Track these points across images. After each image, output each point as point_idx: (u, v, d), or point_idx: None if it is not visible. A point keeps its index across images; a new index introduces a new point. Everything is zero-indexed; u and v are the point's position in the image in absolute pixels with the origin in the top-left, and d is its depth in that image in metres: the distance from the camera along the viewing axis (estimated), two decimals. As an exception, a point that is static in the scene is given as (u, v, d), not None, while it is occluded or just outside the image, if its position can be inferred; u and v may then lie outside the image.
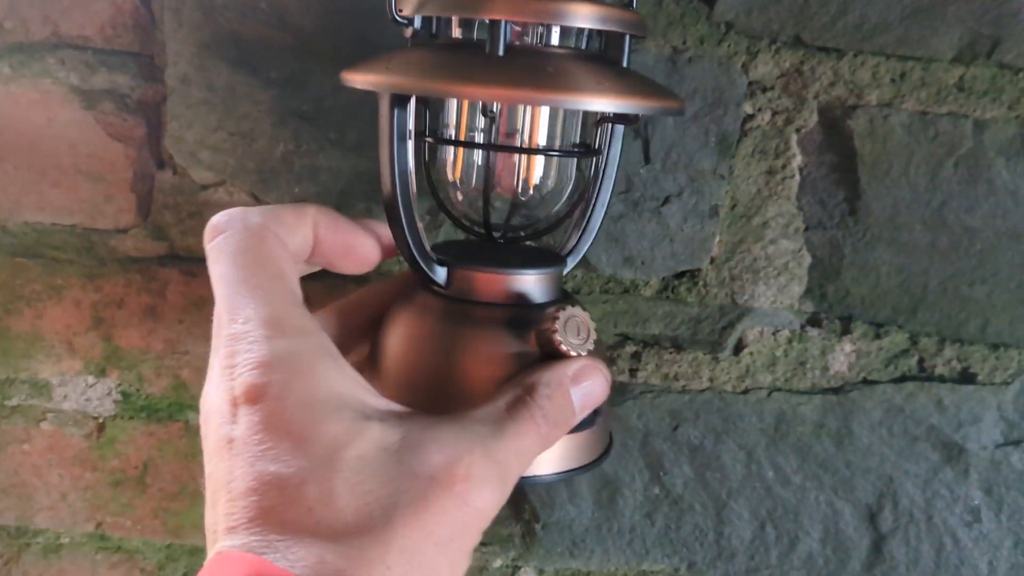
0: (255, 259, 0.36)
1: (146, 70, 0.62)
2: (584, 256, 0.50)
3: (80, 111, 0.62)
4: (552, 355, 0.41)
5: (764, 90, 0.60)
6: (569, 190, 0.49)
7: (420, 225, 0.44)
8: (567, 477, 0.44)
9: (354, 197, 0.62)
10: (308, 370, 0.33)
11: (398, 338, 0.44)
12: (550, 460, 0.43)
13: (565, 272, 0.49)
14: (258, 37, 0.60)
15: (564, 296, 0.47)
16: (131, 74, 0.62)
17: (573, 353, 0.40)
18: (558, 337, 0.40)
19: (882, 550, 0.69)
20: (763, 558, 0.70)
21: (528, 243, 0.50)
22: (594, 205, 0.50)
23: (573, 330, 0.41)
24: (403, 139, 0.42)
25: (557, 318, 0.40)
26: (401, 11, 0.43)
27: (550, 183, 0.48)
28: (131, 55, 0.61)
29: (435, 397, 0.42)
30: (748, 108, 0.60)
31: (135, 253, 0.65)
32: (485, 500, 0.33)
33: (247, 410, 0.32)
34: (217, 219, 0.38)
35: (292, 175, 0.62)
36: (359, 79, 0.40)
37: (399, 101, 0.41)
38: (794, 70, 0.59)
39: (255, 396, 0.32)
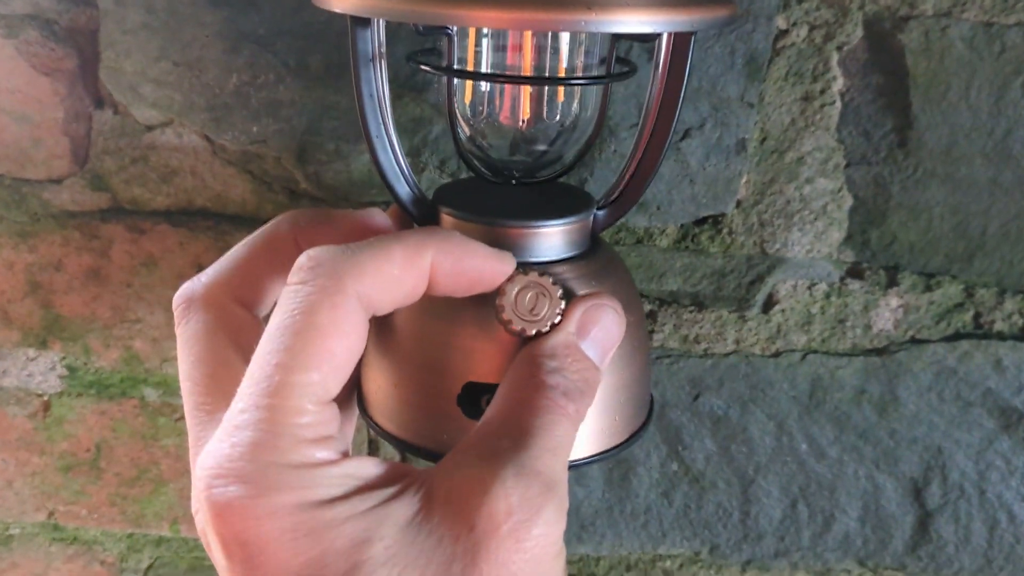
0: (304, 339, 0.28)
1: (75, -9, 0.53)
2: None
3: (-1, 40, 0.53)
4: (519, 339, 0.34)
5: (800, 0, 0.51)
6: (592, 121, 0.41)
7: (399, 155, 0.39)
8: (609, 457, 0.38)
9: (322, 136, 0.54)
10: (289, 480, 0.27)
11: (388, 334, 0.38)
12: (584, 441, 0.37)
13: (598, 224, 0.41)
14: (202, -53, 0.51)
15: (590, 251, 0.40)
16: (57, -4, 0.53)
17: (531, 333, 0.33)
18: (507, 317, 0.33)
19: (928, 528, 0.61)
20: (794, 539, 0.62)
21: (555, 184, 0.43)
22: (646, 142, 0.40)
23: (526, 301, 0.33)
24: (367, 62, 0.37)
25: (503, 295, 0.33)
26: None
27: (560, 114, 0.41)
28: (57, -27, 0.53)
29: (441, 392, 0.37)
30: (781, 22, 0.51)
31: (73, 207, 0.56)
32: (542, 524, 0.28)
33: (238, 552, 0.27)
34: (303, 260, 0.30)
35: (249, 111, 0.53)
36: None
37: (359, 21, 0.36)
38: (835, -24, 0.50)
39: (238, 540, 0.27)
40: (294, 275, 0.29)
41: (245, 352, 0.32)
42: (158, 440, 0.61)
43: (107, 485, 0.63)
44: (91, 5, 0.52)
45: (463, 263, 0.32)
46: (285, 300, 0.29)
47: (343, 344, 0.28)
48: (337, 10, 0.34)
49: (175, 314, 0.35)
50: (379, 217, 0.38)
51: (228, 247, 0.56)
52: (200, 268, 0.56)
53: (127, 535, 0.65)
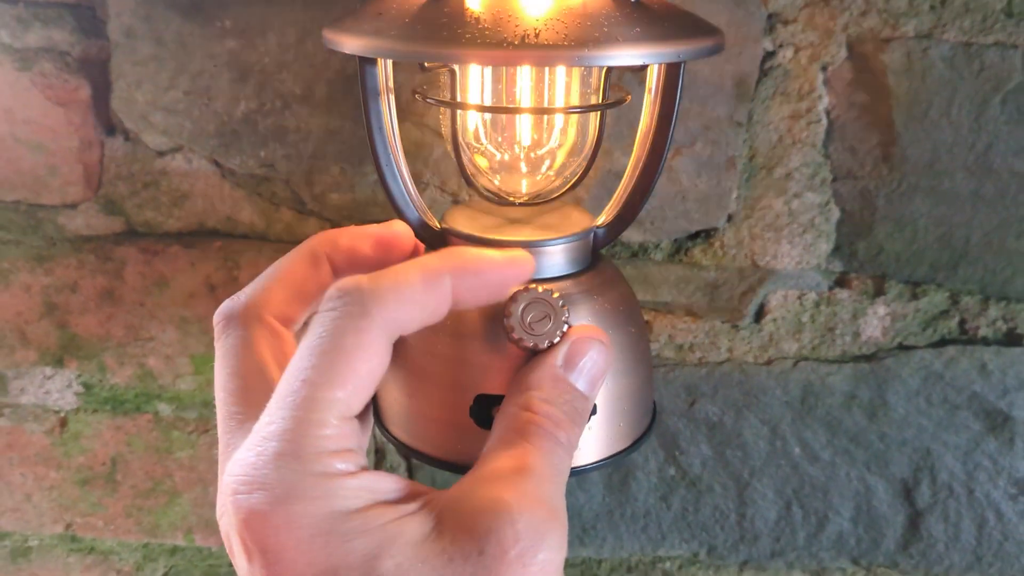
0: (331, 359, 0.30)
1: (87, 23, 0.55)
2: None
3: (14, 73, 0.55)
4: (528, 353, 0.36)
5: (786, 23, 0.53)
6: (590, 146, 0.43)
7: (407, 183, 0.41)
8: (614, 462, 0.40)
9: (327, 159, 0.56)
10: (309, 492, 0.29)
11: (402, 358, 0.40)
12: (591, 447, 0.39)
13: (599, 241, 0.43)
14: (209, -19, 0.52)
15: (592, 266, 0.42)
16: (70, 29, 0.55)
17: (543, 345, 0.35)
18: (516, 335, 0.35)
19: (919, 527, 0.63)
20: (789, 540, 0.64)
21: (556, 203, 0.44)
22: (641, 164, 0.42)
23: (537, 316, 0.35)
24: (376, 97, 0.39)
25: (510, 314, 0.35)
26: None
27: (558, 139, 0.43)
28: (69, 7, 0.54)
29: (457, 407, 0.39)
30: (768, 44, 0.53)
31: (87, 231, 0.58)
32: (546, 550, 0.29)
33: (258, 557, 0.29)
34: (332, 291, 0.32)
35: (256, 137, 0.55)
36: (328, 35, 0.37)
37: (367, 60, 0.38)
38: (819, -1, 0.52)
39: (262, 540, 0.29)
40: (324, 303, 0.31)
41: (278, 366, 0.34)
42: (172, 453, 0.63)
43: (123, 497, 0.64)
44: (102, 37, 0.54)
45: (482, 276, 0.34)
46: (316, 325, 0.31)
47: (366, 365, 0.31)
48: (347, 52, 0.36)
49: (215, 329, 0.36)
50: (401, 229, 0.40)
51: (238, 267, 0.58)
52: (211, 288, 0.58)
53: (143, 545, 0.67)
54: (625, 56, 0.34)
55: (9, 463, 0.64)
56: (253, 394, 0.33)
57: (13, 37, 0.54)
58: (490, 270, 0.34)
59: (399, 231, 0.40)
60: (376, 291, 0.31)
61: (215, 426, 0.62)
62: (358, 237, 0.39)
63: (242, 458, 0.29)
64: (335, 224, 0.57)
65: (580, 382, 0.34)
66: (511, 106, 0.41)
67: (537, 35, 0.33)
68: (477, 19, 0.34)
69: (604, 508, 0.64)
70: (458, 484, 0.31)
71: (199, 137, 0.56)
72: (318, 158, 0.55)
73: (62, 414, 0.63)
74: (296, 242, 0.58)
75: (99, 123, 0.56)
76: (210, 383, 0.61)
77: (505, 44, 0.33)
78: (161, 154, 0.57)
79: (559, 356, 0.35)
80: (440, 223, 0.42)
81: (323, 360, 0.30)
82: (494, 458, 0.32)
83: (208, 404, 0.62)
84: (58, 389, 0.62)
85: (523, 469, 0.31)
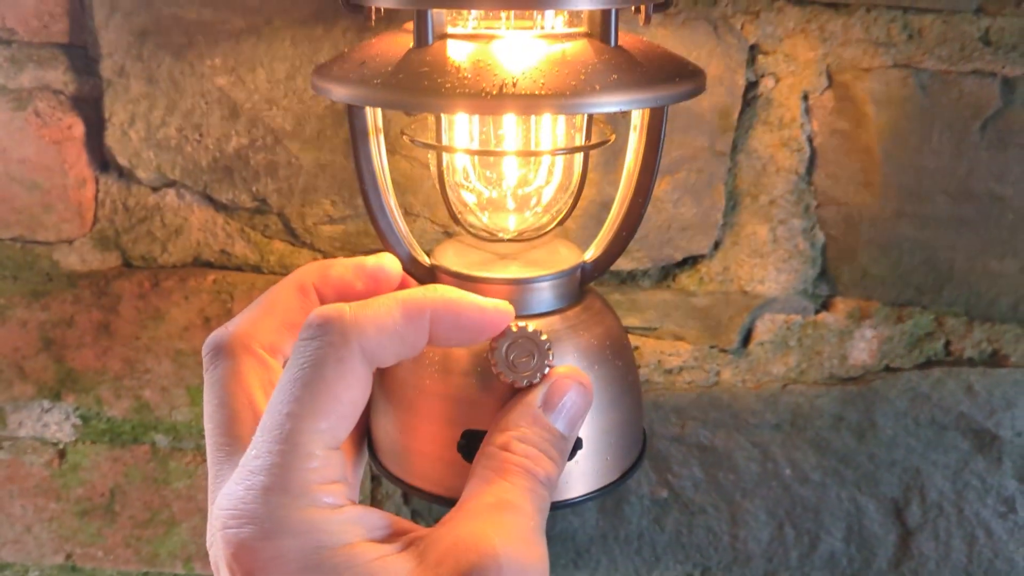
0: (312, 390, 0.31)
1: (80, 63, 0.56)
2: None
3: (8, 112, 0.56)
4: (511, 389, 0.37)
5: (767, 53, 0.54)
6: (575, 183, 0.44)
7: (397, 219, 0.42)
8: (602, 495, 0.41)
9: (318, 192, 0.56)
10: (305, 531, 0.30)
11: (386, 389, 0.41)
12: (578, 481, 0.40)
13: (586, 276, 0.44)
14: (200, 20, 0.53)
15: (579, 301, 0.42)
16: (63, 68, 0.56)
17: (523, 384, 0.36)
18: (499, 370, 0.36)
19: (910, 546, 0.64)
20: (782, 560, 0.65)
21: (543, 239, 0.45)
22: (628, 201, 0.43)
23: (521, 353, 0.36)
24: (364, 138, 0.40)
25: (495, 348, 0.36)
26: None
27: (544, 178, 0.43)
28: (62, 47, 0.55)
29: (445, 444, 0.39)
30: (750, 75, 0.54)
31: (82, 266, 0.59)
32: None
33: None
34: (313, 318, 0.32)
35: (248, 172, 0.56)
36: (316, 82, 0.38)
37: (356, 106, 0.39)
38: (799, 30, 0.53)
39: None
40: (304, 331, 0.32)
41: (266, 396, 0.35)
42: (169, 483, 0.64)
43: (122, 527, 0.65)
44: (95, 76, 0.55)
45: (461, 317, 0.34)
46: (296, 355, 0.31)
47: (348, 395, 0.31)
48: (335, 99, 0.37)
49: (204, 360, 0.37)
50: (390, 262, 0.40)
51: (232, 300, 0.59)
52: (206, 320, 0.58)
53: (142, 574, 0.67)
54: (603, 104, 0.35)
55: (9, 495, 0.65)
56: (241, 425, 0.34)
57: (7, 77, 0.55)
58: (469, 314, 0.34)
59: (387, 264, 0.40)
60: (357, 321, 0.32)
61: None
62: (347, 269, 0.40)
63: (231, 492, 0.30)
64: (328, 255, 0.58)
65: (559, 422, 0.35)
66: (496, 149, 0.42)
67: (515, 85, 0.34)
68: (458, 68, 0.35)
69: (598, 532, 0.65)
70: (441, 522, 0.32)
71: (192, 172, 0.56)
72: (309, 191, 0.56)
73: (60, 446, 0.64)
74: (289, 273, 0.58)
75: (93, 160, 0.57)
76: (206, 414, 0.61)
77: (484, 95, 0.33)
78: (155, 189, 0.58)
79: (539, 397, 0.35)
80: (429, 258, 0.43)
81: (305, 392, 0.30)
82: (476, 496, 0.33)
83: (204, 434, 0.62)
84: (56, 422, 0.63)
85: (505, 507, 0.32)
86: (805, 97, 0.54)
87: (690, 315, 0.59)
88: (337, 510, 0.30)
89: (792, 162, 0.56)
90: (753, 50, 0.54)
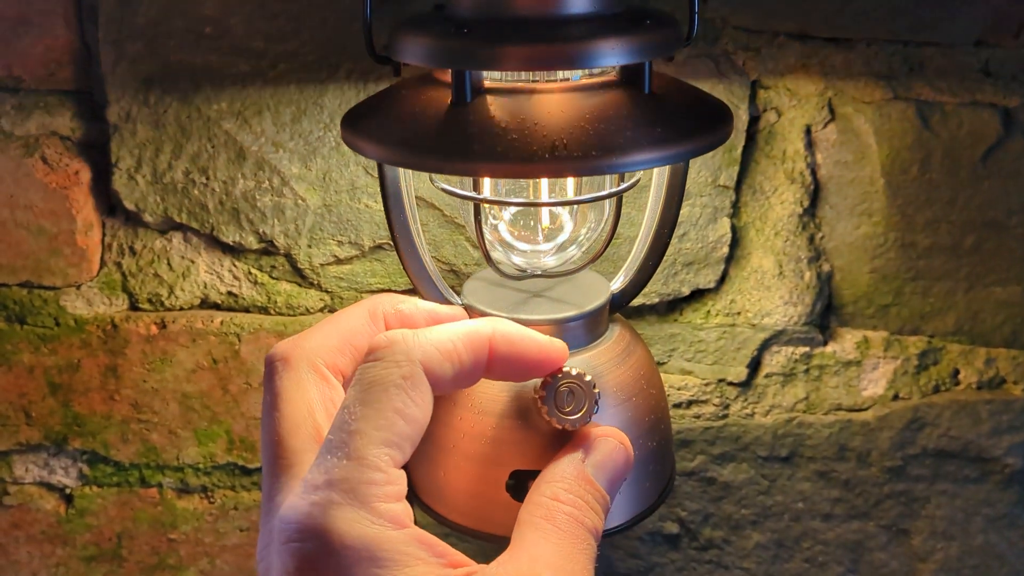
0: (379, 408, 0.32)
1: (86, 108, 0.56)
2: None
3: (16, 159, 0.56)
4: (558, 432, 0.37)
5: (768, 88, 0.54)
6: (609, 223, 0.44)
7: (427, 265, 0.42)
8: (643, 518, 0.42)
9: (324, 233, 0.57)
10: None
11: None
12: (620, 509, 0.41)
13: (613, 307, 0.44)
14: (206, 65, 0.54)
15: (609, 334, 0.43)
16: (70, 114, 0.56)
17: (573, 428, 0.37)
18: (549, 415, 0.37)
19: (920, 575, 0.64)
20: (794, 591, 0.64)
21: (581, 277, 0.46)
22: (650, 241, 0.44)
23: (566, 399, 0.37)
24: (396, 191, 0.40)
25: (545, 395, 0.36)
26: (381, 51, 0.40)
27: (577, 224, 0.44)
28: (69, 93, 0.56)
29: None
30: (752, 109, 0.55)
31: (88, 311, 0.59)
32: None
33: None
34: (380, 340, 0.33)
35: (255, 213, 0.56)
36: (350, 139, 0.38)
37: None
38: (800, 65, 0.54)
39: None
40: (371, 353, 0.33)
41: (327, 413, 0.35)
42: (177, 527, 0.64)
43: (129, 572, 0.65)
44: (102, 121, 0.55)
45: (520, 348, 0.35)
46: (362, 374, 0.32)
47: (413, 414, 0.32)
48: (369, 158, 0.37)
49: (267, 368, 0.36)
50: (459, 314, 0.40)
51: (239, 341, 0.59)
52: (213, 363, 0.58)
53: (149, 619, 0.67)
54: (651, 161, 0.35)
55: (15, 541, 0.64)
56: (299, 438, 0.34)
57: (14, 124, 0.55)
58: (529, 350, 0.36)
59: (456, 315, 0.40)
60: (421, 344, 0.33)
61: (219, 500, 0.62)
62: (418, 309, 0.40)
63: (295, 505, 0.30)
64: (336, 296, 0.58)
65: (602, 481, 0.36)
66: (534, 201, 0.43)
67: (565, 146, 0.33)
68: (505, 130, 0.34)
69: (604, 563, 0.64)
70: (498, 561, 0.32)
71: (198, 215, 0.57)
72: (316, 232, 0.56)
73: (67, 491, 0.63)
74: (297, 314, 0.59)
75: (100, 204, 0.57)
76: (213, 457, 0.61)
77: (536, 158, 0.33)
78: (162, 233, 0.58)
79: (581, 451, 0.36)
80: (461, 299, 0.43)
81: (372, 410, 0.31)
82: (530, 544, 0.33)
83: (211, 476, 0.62)
84: (63, 467, 0.62)
85: (558, 553, 0.32)
86: (808, 130, 0.55)
87: (698, 349, 0.59)
88: (401, 529, 0.30)
89: (796, 194, 0.56)
90: (755, 85, 0.54)
